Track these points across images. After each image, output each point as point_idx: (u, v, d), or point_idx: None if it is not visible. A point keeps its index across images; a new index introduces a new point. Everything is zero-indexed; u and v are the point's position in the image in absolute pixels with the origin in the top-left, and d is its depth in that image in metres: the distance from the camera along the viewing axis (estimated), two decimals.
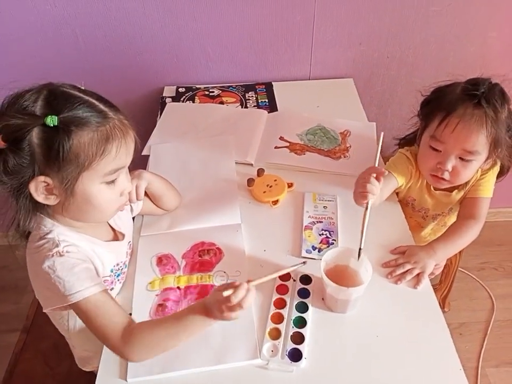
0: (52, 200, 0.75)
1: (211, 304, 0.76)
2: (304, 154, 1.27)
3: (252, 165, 1.24)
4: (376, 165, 0.96)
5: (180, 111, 1.44)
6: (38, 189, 0.73)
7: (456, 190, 1.14)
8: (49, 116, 0.67)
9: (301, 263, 0.88)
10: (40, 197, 0.73)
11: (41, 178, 0.72)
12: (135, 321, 0.80)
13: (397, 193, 1.17)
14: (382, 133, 0.98)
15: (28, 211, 0.75)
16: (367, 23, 1.47)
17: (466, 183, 1.11)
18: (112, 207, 0.82)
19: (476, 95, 0.97)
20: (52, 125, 0.68)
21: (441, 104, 1.02)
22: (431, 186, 1.15)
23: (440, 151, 1.03)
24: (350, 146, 1.29)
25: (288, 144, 1.30)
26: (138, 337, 0.77)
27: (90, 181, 0.74)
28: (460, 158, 1.01)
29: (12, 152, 0.69)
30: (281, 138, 1.32)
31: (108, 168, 0.75)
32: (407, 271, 0.95)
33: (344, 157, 1.26)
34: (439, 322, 0.88)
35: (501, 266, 1.94)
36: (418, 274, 0.95)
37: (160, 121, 1.40)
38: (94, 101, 0.73)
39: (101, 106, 0.73)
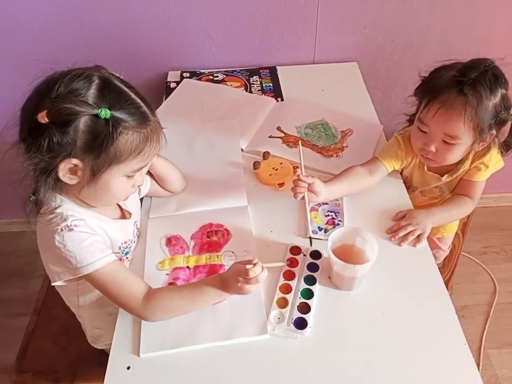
0: (73, 181, 0.77)
1: (228, 276, 0.83)
2: (296, 147, 1.24)
3: (242, 150, 1.24)
4: (303, 172, 1.04)
5: (194, 88, 1.47)
6: (65, 169, 0.75)
7: (446, 175, 1.15)
8: (104, 109, 0.70)
9: (281, 264, 0.93)
10: (65, 177, 0.76)
11: (74, 161, 0.74)
12: (151, 287, 0.85)
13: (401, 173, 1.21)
14: (300, 142, 1.10)
15: (49, 188, 0.77)
16: (371, 6, 1.46)
17: (457, 168, 1.13)
18: (123, 196, 0.87)
19: (461, 81, 0.96)
20: (103, 117, 0.70)
21: (429, 88, 1.03)
22: (424, 166, 1.17)
23: (426, 133, 1.05)
24: (347, 146, 1.26)
25: (283, 135, 1.29)
26: (159, 300, 0.82)
27: (116, 172, 0.78)
28: (443, 140, 1.03)
29: (58, 132, 0.70)
30: (278, 128, 1.31)
31: (137, 166, 0.80)
32: (409, 232, 1.00)
33: (337, 156, 1.23)
34: (444, 299, 0.90)
35: (503, 250, 1.96)
36: (418, 236, 1.01)
37: (173, 94, 1.43)
38: (139, 100, 0.76)
39: (144, 107, 0.77)
